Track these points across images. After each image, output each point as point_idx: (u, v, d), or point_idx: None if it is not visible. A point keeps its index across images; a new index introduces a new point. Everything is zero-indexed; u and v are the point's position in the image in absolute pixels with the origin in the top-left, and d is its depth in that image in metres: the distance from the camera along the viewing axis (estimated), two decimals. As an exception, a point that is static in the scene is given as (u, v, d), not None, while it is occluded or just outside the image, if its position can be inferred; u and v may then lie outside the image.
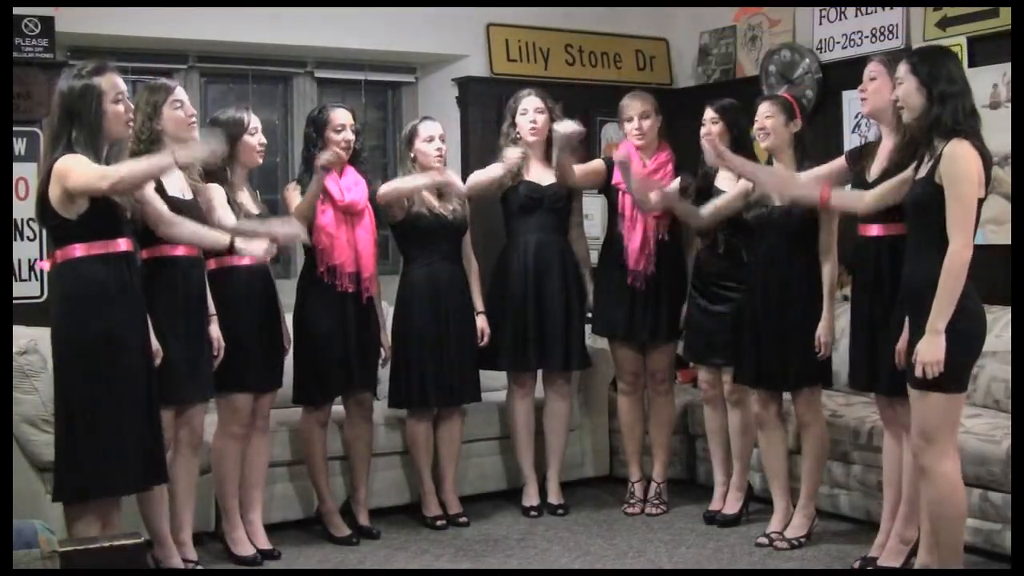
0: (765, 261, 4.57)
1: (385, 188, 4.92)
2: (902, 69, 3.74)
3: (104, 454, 3.71)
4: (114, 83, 3.77)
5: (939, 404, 3.61)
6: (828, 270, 4.47)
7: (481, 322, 5.10)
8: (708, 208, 4.76)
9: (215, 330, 4.36)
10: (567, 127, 4.88)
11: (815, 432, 4.61)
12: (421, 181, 4.90)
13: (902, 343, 3.93)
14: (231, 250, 4.17)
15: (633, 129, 5.07)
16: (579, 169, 5.18)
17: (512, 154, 5.09)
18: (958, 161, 3.55)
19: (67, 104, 3.72)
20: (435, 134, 4.99)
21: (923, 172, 3.68)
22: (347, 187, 4.77)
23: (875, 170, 4.14)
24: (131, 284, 3.80)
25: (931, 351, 3.55)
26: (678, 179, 5.01)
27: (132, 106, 3.88)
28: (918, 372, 3.58)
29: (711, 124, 4.85)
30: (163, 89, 4.22)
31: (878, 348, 4.10)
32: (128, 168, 3.71)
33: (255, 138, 4.54)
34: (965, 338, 3.59)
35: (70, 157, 3.66)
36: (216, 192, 4.38)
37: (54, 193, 3.68)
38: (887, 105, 4.05)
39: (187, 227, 4.11)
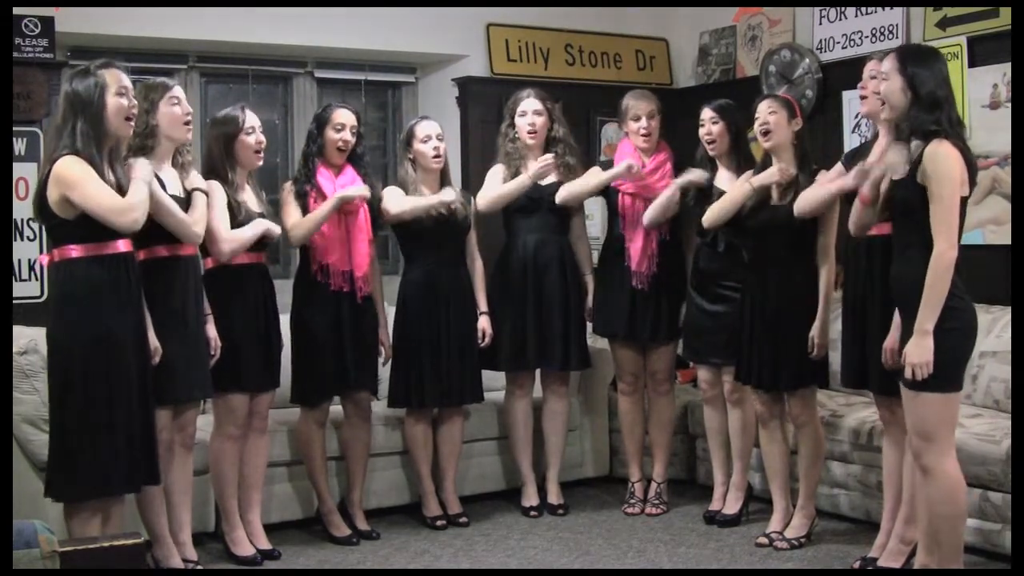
0: (764, 262, 4.57)
1: (393, 210, 4.90)
2: (887, 65, 3.72)
3: (99, 454, 3.72)
4: (118, 77, 3.81)
5: (935, 403, 3.61)
6: (825, 272, 4.46)
7: (483, 322, 5.10)
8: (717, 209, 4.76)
9: (211, 330, 4.36)
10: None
11: (810, 432, 4.62)
12: (423, 203, 4.88)
13: (890, 341, 3.94)
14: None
15: (641, 129, 5.06)
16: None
17: (540, 165, 5.02)
18: (940, 161, 3.54)
19: (72, 97, 3.75)
20: (432, 133, 4.98)
21: (906, 172, 3.68)
22: (341, 186, 4.76)
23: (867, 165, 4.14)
24: (128, 284, 3.81)
25: (919, 353, 3.55)
26: (674, 184, 5.00)
27: (136, 103, 3.89)
28: (907, 374, 3.59)
29: (711, 124, 4.85)
30: (160, 86, 4.23)
31: (868, 346, 4.11)
32: (136, 200, 3.76)
33: (252, 137, 4.51)
34: (957, 337, 3.60)
35: (75, 164, 3.66)
36: (215, 190, 4.37)
37: (52, 195, 3.69)
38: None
39: (234, 237, 4.21)
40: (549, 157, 5.06)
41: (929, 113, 3.61)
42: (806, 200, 4.38)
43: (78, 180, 3.65)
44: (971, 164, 3.62)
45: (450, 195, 4.95)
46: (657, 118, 5.09)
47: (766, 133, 4.52)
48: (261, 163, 4.60)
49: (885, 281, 4.01)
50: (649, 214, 5.00)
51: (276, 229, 4.52)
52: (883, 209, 4.03)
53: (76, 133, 3.71)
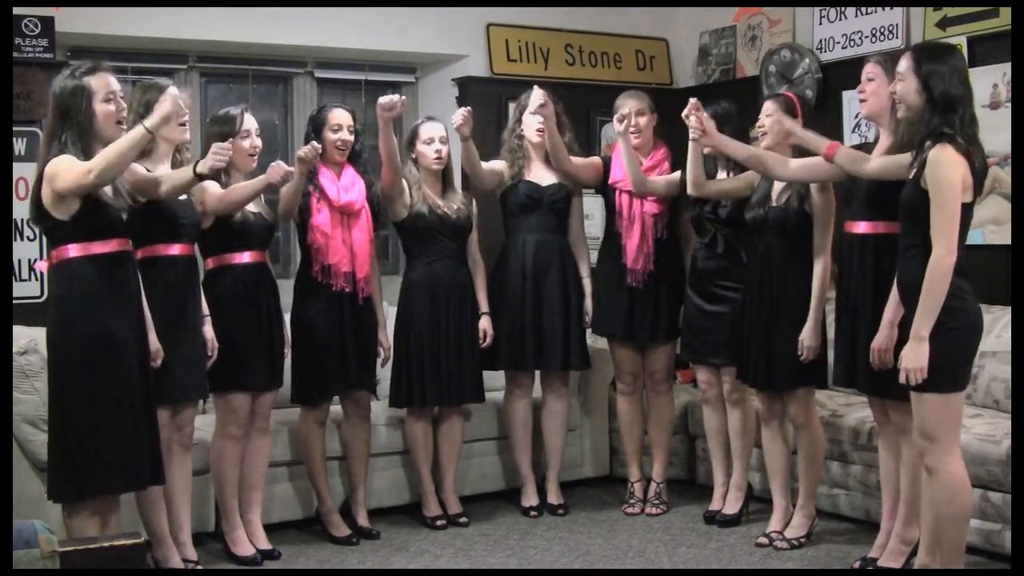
0: (761, 262, 4.58)
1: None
2: (903, 65, 3.71)
3: (97, 454, 3.72)
4: (106, 82, 3.77)
5: (937, 404, 3.60)
6: (818, 272, 4.44)
7: (484, 323, 5.10)
8: (713, 182, 4.80)
9: (208, 331, 4.36)
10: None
11: (809, 433, 4.61)
12: (382, 129, 4.76)
13: (878, 341, 3.93)
14: (197, 177, 4.03)
15: (629, 126, 5.06)
16: (577, 161, 5.18)
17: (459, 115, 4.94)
18: (940, 167, 3.53)
19: (59, 104, 3.74)
20: (435, 136, 4.98)
21: (912, 174, 3.68)
22: (344, 187, 4.77)
23: None
24: (126, 284, 3.80)
25: (914, 357, 3.55)
26: (677, 173, 5.02)
27: (125, 106, 3.87)
28: (902, 378, 3.58)
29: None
30: (155, 88, 4.21)
31: (858, 346, 4.10)
32: (105, 153, 3.65)
33: (247, 141, 4.50)
34: (958, 337, 3.59)
35: (60, 159, 3.67)
36: (210, 187, 4.35)
37: (46, 195, 3.70)
38: (886, 106, 4.06)
39: (171, 177, 4.08)
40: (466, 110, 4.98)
41: (943, 114, 3.58)
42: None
43: (59, 169, 3.64)
44: (977, 169, 3.59)
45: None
46: (648, 116, 5.09)
47: (763, 135, 4.54)
48: (255, 166, 4.59)
49: (876, 280, 4.02)
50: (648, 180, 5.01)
51: (280, 166, 4.36)
52: (868, 205, 4.04)
53: (67, 144, 3.70)
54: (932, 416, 3.61)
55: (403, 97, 4.76)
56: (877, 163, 4.03)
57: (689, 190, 4.81)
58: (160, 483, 4.03)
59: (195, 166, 4.01)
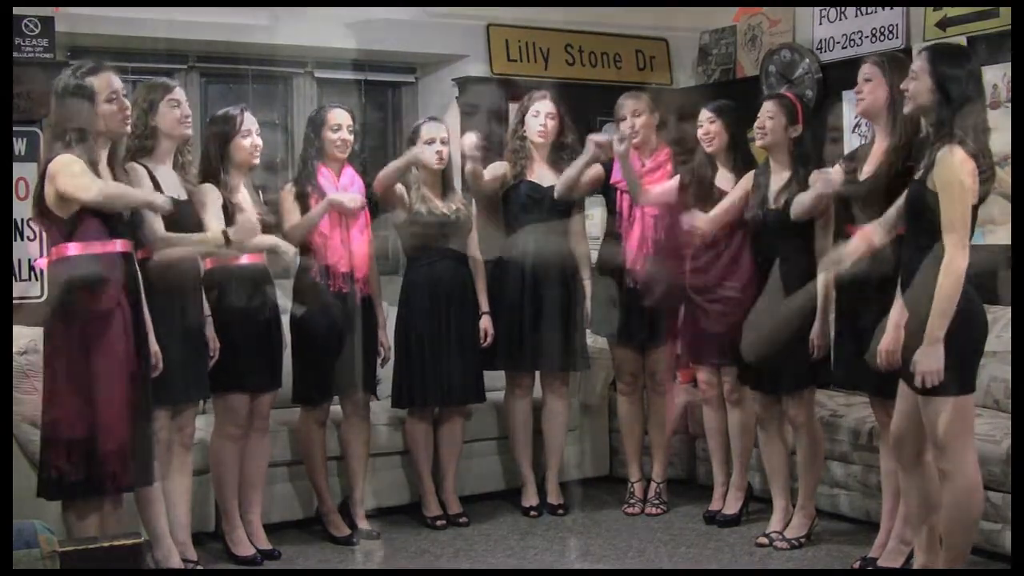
0: (762, 263, 4.57)
1: (379, 175, 4.92)
2: (918, 64, 3.66)
3: (89, 453, 3.71)
4: (108, 82, 3.79)
5: (948, 408, 3.56)
6: (823, 274, 4.44)
7: (485, 322, 5.10)
8: (715, 214, 4.75)
9: (210, 331, 4.36)
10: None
11: (808, 433, 4.61)
12: (402, 161, 4.87)
13: (884, 343, 3.91)
14: (227, 243, 4.14)
15: (626, 127, 5.06)
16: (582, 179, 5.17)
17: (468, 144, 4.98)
18: (952, 168, 3.51)
19: (61, 104, 3.75)
20: (436, 136, 4.98)
21: (919, 174, 3.67)
22: (343, 187, 4.78)
23: (867, 170, 4.13)
24: (125, 284, 3.80)
25: (929, 361, 3.52)
26: (676, 177, 5.02)
27: (128, 105, 3.88)
28: (917, 382, 3.56)
29: (708, 124, 4.85)
30: (161, 87, 4.23)
31: (859, 347, 4.09)
32: (114, 190, 3.74)
33: (247, 140, 4.51)
34: (964, 340, 3.57)
35: (65, 158, 3.68)
36: (210, 193, 4.37)
37: (48, 192, 3.70)
38: (882, 106, 4.05)
39: (190, 240, 4.15)
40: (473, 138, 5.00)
41: (955, 116, 3.56)
42: (798, 204, 4.39)
43: (62, 170, 3.66)
44: (984, 172, 3.57)
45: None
46: (646, 116, 5.09)
47: (761, 135, 4.54)
48: (256, 163, 4.60)
49: (876, 281, 4.00)
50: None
51: (288, 249, 4.49)
52: (867, 208, 4.03)
53: (70, 143, 3.71)
54: (945, 421, 3.56)
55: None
56: (884, 227, 3.88)
57: (704, 230, 4.79)
58: (150, 484, 4.02)
59: (226, 233, 4.10)
